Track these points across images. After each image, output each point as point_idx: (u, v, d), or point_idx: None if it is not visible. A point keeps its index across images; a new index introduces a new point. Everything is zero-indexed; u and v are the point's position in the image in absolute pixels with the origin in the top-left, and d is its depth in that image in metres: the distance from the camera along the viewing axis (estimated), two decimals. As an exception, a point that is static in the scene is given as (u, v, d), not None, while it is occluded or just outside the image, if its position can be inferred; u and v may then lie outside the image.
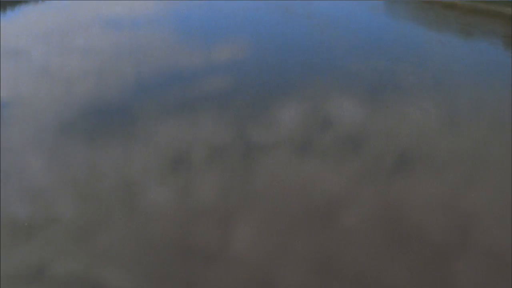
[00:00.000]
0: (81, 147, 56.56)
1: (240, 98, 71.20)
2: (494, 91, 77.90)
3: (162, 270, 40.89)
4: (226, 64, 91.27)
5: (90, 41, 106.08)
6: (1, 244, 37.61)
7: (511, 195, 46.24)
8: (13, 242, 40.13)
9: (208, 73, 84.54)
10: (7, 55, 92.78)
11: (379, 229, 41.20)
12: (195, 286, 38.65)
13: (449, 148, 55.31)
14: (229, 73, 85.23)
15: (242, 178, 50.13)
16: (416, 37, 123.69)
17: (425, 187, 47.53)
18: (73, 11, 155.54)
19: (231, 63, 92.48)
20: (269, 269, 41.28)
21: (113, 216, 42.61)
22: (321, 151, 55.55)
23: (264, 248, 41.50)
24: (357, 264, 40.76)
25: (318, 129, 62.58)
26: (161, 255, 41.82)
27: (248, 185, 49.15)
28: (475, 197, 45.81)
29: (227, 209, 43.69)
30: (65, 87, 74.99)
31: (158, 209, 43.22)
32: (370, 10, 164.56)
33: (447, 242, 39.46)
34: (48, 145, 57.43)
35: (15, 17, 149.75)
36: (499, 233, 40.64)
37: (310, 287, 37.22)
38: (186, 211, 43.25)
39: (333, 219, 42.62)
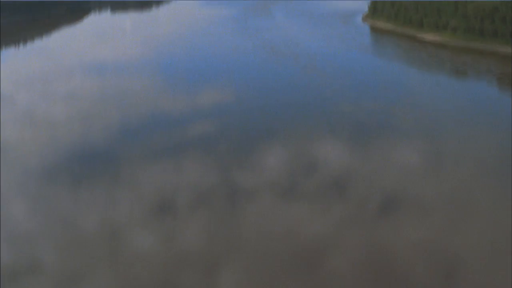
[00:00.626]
0: (65, 193, 54.31)
1: (225, 142, 70.34)
2: (488, 132, 79.20)
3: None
4: (212, 108, 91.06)
5: (74, 86, 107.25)
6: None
7: (496, 239, 46.10)
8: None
9: (193, 117, 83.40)
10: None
11: (365, 273, 40.58)
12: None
13: (435, 191, 55.12)
14: (214, 116, 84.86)
15: (227, 224, 48.76)
16: (409, 78, 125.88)
17: (410, 231, 46.96)
18: (57, 56, 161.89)
19: (216, 107, 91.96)
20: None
21: (97, 264, 41.81)
22: (307, 195, 54.81)
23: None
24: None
25: (304, 173, 59.98)
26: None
27: (233, 230, 47.68)
28: (460, 241, 45.27)
29: (212, 256, 42.81)
30: (50, 132, 71.86)
31: (142, 257, 42.57)
32: (360, 51, 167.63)
33: (432, 286, 39.18)
34: (32, 190, 55.45)
35: (3, 61, 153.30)
36: (484, 276, 40.07)
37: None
38: (170, 258, 42.68)
39: (319, 264, 41.96)
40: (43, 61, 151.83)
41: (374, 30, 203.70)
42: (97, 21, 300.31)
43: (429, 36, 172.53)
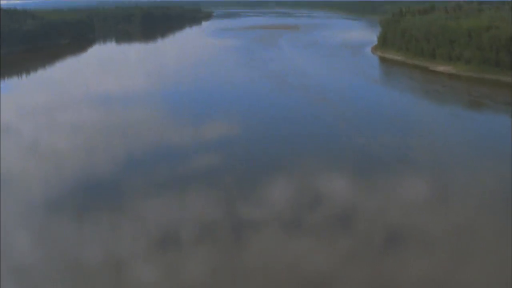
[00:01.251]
0: (69, 225, 53.16)
1: (231, 174, 68.85)
2: (503, 166, 76.11)
3: None
4: (217, 139, 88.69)
5: (80, 117, 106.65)
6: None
7: (502, 276, 44.61)
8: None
9: (198, 149, 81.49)
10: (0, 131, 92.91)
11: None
12: None
13: (441, 226, 53.59)
14: (220, 148, 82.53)
15: (231, 257, 47.67)
16: (423, 110, 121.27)
17: (415, 267, 45.71)
18: (60, 87, 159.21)
19: (222, 138, 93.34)
20: None
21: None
22: (312, 229, 53.36)
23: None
24: None
25: (309, 206, 58.70)
26: None
27: (237, 264, 46.54)
28: (465, 278, 44.09)
29: (216, 290, 42.77)
30: (55, 164, 71.62)
31: (146, 291, 42.57)
32: (371, 82, 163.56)
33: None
34: (35, 222, 54.17)
35: (6, 92, 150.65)
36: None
37: None
38: (174, 292, 42.02)
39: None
40: (45, 92, 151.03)
41: (384, 61, 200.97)
42: (101, 52, 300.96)
43: (442, 68, 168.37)
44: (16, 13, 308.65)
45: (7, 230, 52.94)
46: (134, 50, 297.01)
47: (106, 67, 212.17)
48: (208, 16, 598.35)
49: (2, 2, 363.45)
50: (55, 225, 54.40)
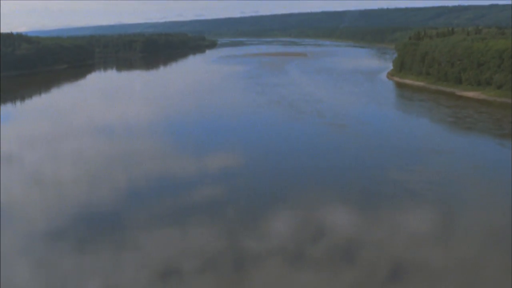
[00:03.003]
0: (70, 255, 53.38)
1: (236, 205, 67.43)
2: None
3: None
4: (224, 171, 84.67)
5: (83, 147, 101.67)
6: None
7: None
8: None
9: (202, 180, 78.98)
10: (1, 161, 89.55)
11: None
12: None
13: (444, 259, 52.01)
14: (227, 180, 79.20)
15: None
16: (466, 141, 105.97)
17: None
18: (67, 116, 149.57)
19: (229, 170, 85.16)
20: None
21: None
22: (315, 262, 52.61)
23: None
24: None
25: (312, 238, 57.89)
26: None
27: None
28: None
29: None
30: (57, 194, 71.20)
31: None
32: (393, 109, 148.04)
33: None
34: (35, 254, 54.17)
35: (10, 121, 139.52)
36: None
37: None
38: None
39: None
40: (55, 121, 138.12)
41: (403, 87, 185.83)
42: (100, 79, 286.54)
43: (471, 93, 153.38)
44: (10, 37, 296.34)
45: (6, 261, 52.46)
46: (135, 78, 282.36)
47: (105, 95, 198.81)
48: (212, 45, 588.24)
49: (6, 30, 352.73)
50: (56, 257, 54.12)
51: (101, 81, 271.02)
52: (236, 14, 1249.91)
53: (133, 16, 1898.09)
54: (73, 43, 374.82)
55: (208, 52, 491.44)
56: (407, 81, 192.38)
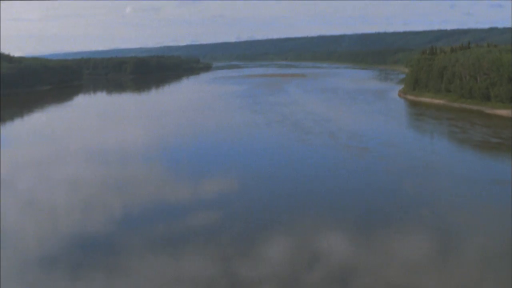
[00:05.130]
0: (63, 282, 53.65)
1: (232, 231, 64.11)
2: None
3: None
4: (222, 197, 78.17)
5: (77, 172, 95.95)
6: None
7: None
8: None
9: (199, 207, 74.18)
10: None
11: None
12: None
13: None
14: (226, 207, 73.36)
15: None
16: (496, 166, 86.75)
17: None
18: (62, 141, 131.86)
19: (226, 196, 78.18)
20: None
21: None
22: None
23: None
24: None
25: (306, 266, 54.63)
26: None
27: None
28: None
29: None
30: (50, 220, 69.86)
31: None
32: (414, 130, 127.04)
33: None
34: (29, 280, 54.24)
35: (2, 146, 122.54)
36: None
37: None
38: None
39: None
40: (50, 146, 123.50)
41: (419, 106, 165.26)
42: (88, 101, 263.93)
43: (505, 111, 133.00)
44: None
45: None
46: (125, 100, 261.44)
47: (92, 118, 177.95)
48: (207, 68, 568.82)
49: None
50: (48, 282, 53.10)
51: (88, 103, 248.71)
52: (232, 39, 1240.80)
53: (128, 41, 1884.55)
54: (59, 63, 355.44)
55: (202, 74, 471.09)
56: (424, 99, 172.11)
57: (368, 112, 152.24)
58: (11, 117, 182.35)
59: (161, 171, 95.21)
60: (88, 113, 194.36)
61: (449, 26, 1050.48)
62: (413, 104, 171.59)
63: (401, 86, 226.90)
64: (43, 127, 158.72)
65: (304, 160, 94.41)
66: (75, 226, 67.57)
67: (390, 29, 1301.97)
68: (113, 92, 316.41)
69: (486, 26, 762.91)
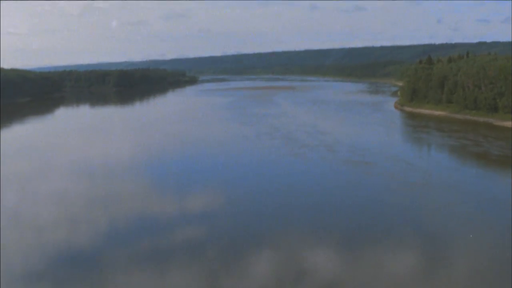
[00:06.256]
0: None
1: (217, 245, 60.59)
2: None
3: None
4: (208, 211, 73.37)
5: (63, 187, 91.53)
6: None
7: None
8: None
9: (183, 221, 70.71)
10: None
11: None
12: None
13: None
14: (211, 219, 69.74)
15: None
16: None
17: None
18: (47, 154, 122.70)
19: (220, 209, 73.49)
20: None
21: None
22: None
23: None
24: None
25: (293, 281, 51.82)
26: None
27: None
28: None
29: None
30: (35, 235, 68.06)
31: None
32: (422, 143, 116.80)
33: None
34: None
35: None
36: None
37: None
38: None
39: None
40: (35, 160, 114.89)
41: (420, 118, 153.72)
42: (69, 113, 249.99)
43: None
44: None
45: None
46: (108, 113, 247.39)
47: (75, 131, 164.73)
48: (193, 81, 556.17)
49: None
50: None
51: (69, 116, 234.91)
52: (218, 53, 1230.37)
53: (114, 55, 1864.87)
54: (40, 75, 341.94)
55: (188, 87, 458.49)
56: (424, 110, 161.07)
57: (366, 124, 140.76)
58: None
59: (148, 184, 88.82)
60: (66, 126, 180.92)
61: (437, 40, 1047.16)
62: (411, 116, 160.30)
63: (394, 98, 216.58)
64: (18, 140, 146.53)
65: (299, 178, 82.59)
66: (59, 241, 65.38)
67: (377, 43, 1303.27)
68: (96, 104, 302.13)
69: (474, 41, 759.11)
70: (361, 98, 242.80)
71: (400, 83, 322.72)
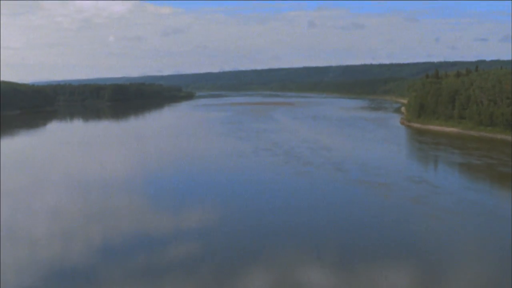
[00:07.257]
0: None
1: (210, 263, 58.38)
2: None
3: None
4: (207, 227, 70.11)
5: (58, 201, 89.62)
6: None
7: None
8: None
9: (177, 239, 67.78)
10: None
11: None
12: None
13: None
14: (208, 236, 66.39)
15: None
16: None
17: None
18: (41, 168, 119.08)
19: (215, 225, 70.65)
20: None
21: None
22: None
23: None
24: None
25: None
26: None
27: None
28: None
29: None
30: (30, 251, 66.68)
31: None
32: (442, 162, 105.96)
33: None
34: None
35: None
36: None
37: None
38: None
39: None
40: (29, 174, 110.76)
41: (429, 134, 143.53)
42: (60, 127, 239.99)
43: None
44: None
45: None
46: (100, 127, 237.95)
47: (66, 147, 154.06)
48: (189, 96, 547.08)
49: None
50: None
51: (60, 130, 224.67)
52: (215, 70, 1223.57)
53: (110, 71, 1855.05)
54: (31, 88, 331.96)
55: (184, 102, 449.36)
56: (433, 127, 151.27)
57: (373, 141, 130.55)
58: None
59: (143, 200, 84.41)
60: (55, 141, 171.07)
61: (436, 59, 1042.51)
62: (420, 133, 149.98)
63: (398, 115, 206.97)
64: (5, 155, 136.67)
65: (303, 200, 72.30)
66: (54, 257, 63.63)
67: (375, 61, 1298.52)
68: (89, 119, 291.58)
69: (473, 59, 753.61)
70: (363, 114, 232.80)
71: (402, 100, 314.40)
